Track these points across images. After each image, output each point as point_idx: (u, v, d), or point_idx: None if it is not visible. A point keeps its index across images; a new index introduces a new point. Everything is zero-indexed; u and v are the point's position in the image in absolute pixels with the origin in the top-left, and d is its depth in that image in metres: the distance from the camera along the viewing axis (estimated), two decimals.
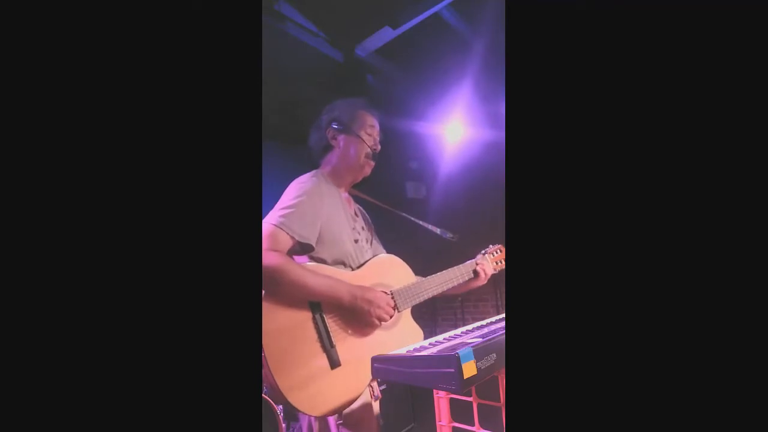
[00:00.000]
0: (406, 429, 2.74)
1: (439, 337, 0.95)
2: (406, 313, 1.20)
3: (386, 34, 2.31)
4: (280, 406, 1.87)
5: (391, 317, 1.10)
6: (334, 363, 1.01)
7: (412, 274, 1.26)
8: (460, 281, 1.30)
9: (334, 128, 1.25)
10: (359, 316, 1.07)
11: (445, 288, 1.26)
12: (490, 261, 1.39)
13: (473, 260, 1.35)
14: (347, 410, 1.04)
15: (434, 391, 0.93)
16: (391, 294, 1.15)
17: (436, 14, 2.16)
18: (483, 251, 1.41)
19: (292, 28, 2.11)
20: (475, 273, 1.33)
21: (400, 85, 2.80)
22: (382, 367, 0.81)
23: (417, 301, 1.19)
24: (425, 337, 0.97)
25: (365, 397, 1.10)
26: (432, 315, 3.98)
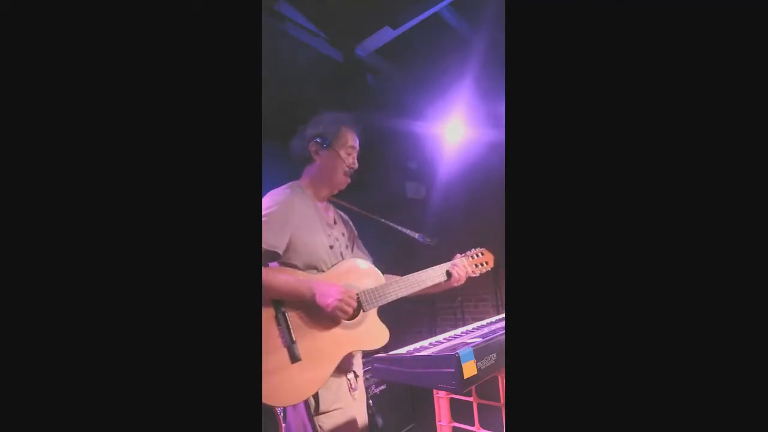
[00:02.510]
0: (406, 429, 2.73)
1: (439, 337, 0.95)
2: (372, 313, 1.24)
3: (386, 34, 2.31)
4: (280, 408, 1.87)
5: (352, 309, 1.14)
6: (295, 358, 1.06)
7: (381, 276, 1.30)
8: (430, 284, 1.33)
9: (317, 143, 1.29)
10: (321, 311, 1.11)
11: (416, 289, 1.30)
12: (469, 263, 1.42)
13: (448, 263, 1.39)
14: (325, 405, 1.10)
15: (434, 391, 0.94)
16: (357, 295, 1.19)
17: (436, 14, 2.16)
18: (462, 254, 1.45)
19: (292, 28, 2.11)
20: (448, 275, 1.36)
21: (400, 85, 2.79)
22: (383, 367, 0.81)
23: (383, 302, 1.24)
24: (424, 337, 0.97)
25: (342, 390, 1.15)
26: (432, 315, 3.98)
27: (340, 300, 1.10)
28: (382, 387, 2.53)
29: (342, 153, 1.29)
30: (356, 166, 1.33)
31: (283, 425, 1.21)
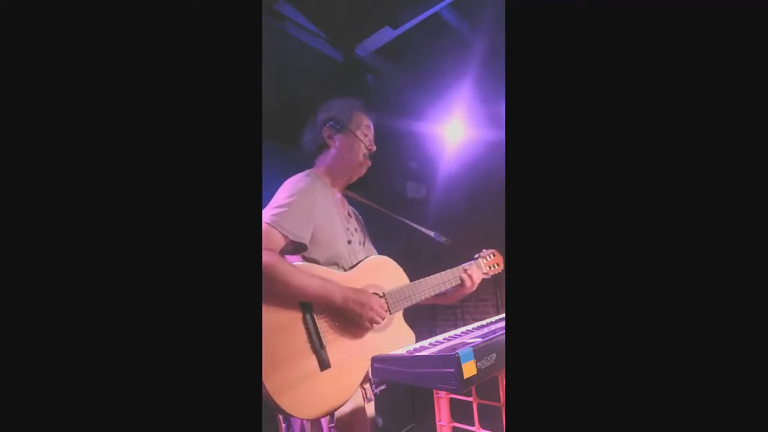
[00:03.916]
0: (406, 429, 2.73)
1: (439, 337, 0.95)
2: (398, 315, 1.19)
3: (386, 34, 2.31)
4: None
5: (383, 319, 1.10)
6: (324, 364, 1.00)
7: (405, 275, 1.25)
8: (449, 287, 1.29)
9: (331, 127, 1.24)
10: (351, 318, 1.06)
11: (435, 291, 1.25)
12: (483, 265, 1.39)
13: (461, 266, 1.34)
14: (339, 413, 1.04)
15: (434, 391, 0.93)
16: (384, 296, 1.15)
17: (436, 14, 2.16)
18: (476, 255, 1.42)
19: (292, 28, 2.11)
20: (461, 280, 1.31)
21: (400, 85, 2.80)
22: (382, 367, 0.81)
23: (409, 304, 1.19)
24: (424, 337, 0.96)
25: (358, 399, 1.09)
26: (432, 315, 3.98)
27: (371, 310, 1.05)
28: (382, 387, 2.53)
29: (359, 134, 1.23)
30: (374, 147, 1.27)
31: (283, 425, 1.20)
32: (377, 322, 1.08)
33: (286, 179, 1.21)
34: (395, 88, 2.78)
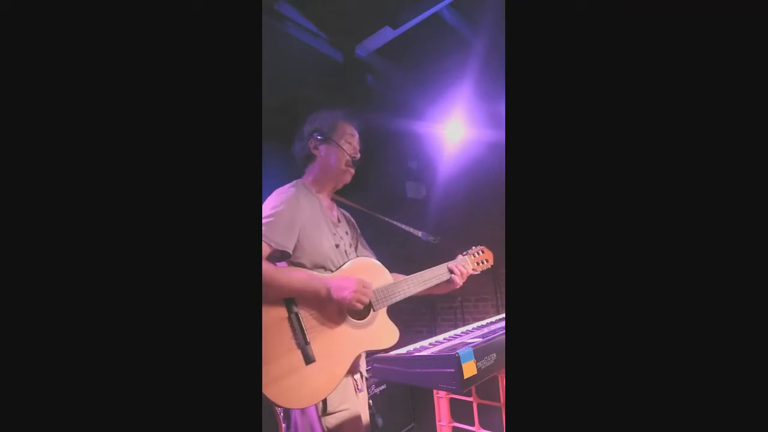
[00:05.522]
0: (406, 429, 2.73)
1: (439, 337, 0.95)
2: (382, 312, 1.25)
3: (386, 34, 2.31)
4: (280, 408, 1.87)
5: (368, 300, 1.15)
6: (309, 359, 1.06)
7: (389, 275, 1.30)
8: (436, 282, 1.34)
9: (316, 138, 1.31)
10: (334, 309, 1.11)
11: (421, 288, 1.30)
12: (471, 262, 1.43)
13: (449, 262, 1.39)
14: (331, 405, 1.09)
15: (434, 391, 0.94)
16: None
17: (436, 14, 2.16)
18: (464, 253, 1.46)
19: (292, 28, 2.11)
20: (451, 272, 1.36)
21: (400, 85, 2.79)
22: (382, 367, 0.81)
23: (392, 301, 1.24)
24: (424, 337, 0.97)
25: (349, 393, 1.15)
26: (432, 315, 3.98)
27: (355, 291, 1.10)
28: (382, 387, 2.53)
29: (342, 143, 1.30)
30: (358, 155, 1.34)
31: (283, 425, 1.20)
32: (363, 302, 1.13)
33: (286, 179, 1.26)
34: (395, 88, 2.78)
